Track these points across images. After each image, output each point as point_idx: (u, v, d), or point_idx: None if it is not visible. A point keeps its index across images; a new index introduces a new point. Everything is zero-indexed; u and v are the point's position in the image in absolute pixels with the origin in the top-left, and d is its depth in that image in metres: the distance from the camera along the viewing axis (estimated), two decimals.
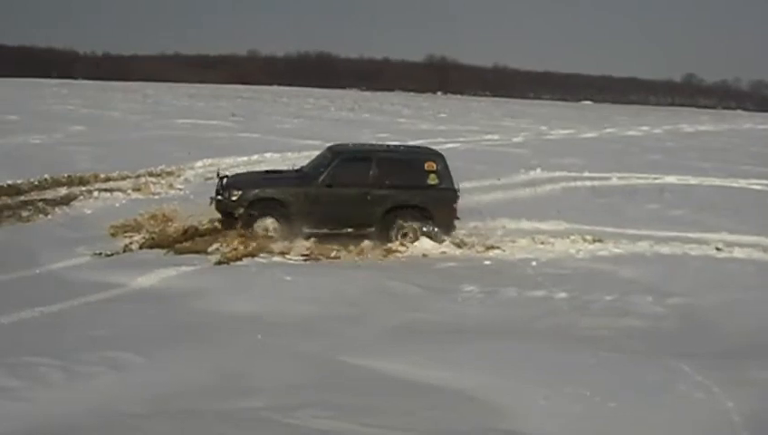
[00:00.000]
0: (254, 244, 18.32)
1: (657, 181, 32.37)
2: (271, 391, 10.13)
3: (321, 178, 19.48)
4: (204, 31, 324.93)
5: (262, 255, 17.75)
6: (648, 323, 13.66)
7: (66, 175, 27.81)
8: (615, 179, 32.38)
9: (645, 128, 73.63)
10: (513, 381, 10.41)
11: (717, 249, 19.73)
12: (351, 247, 18.58)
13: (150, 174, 29.17)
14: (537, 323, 13.44)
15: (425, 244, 18.83)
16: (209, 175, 26.21)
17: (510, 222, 21.66)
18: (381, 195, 19.38)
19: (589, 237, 20.09)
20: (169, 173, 29.55)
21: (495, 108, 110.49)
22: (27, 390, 9.88)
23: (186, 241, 18.77)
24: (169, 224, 19.88)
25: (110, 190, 25.50)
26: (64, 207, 23.00)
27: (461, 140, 49.93)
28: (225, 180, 20.17)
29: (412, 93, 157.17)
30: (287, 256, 17.81)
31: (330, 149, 21.04)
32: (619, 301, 14.88)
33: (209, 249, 18.06)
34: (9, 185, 25.70)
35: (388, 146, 23.42)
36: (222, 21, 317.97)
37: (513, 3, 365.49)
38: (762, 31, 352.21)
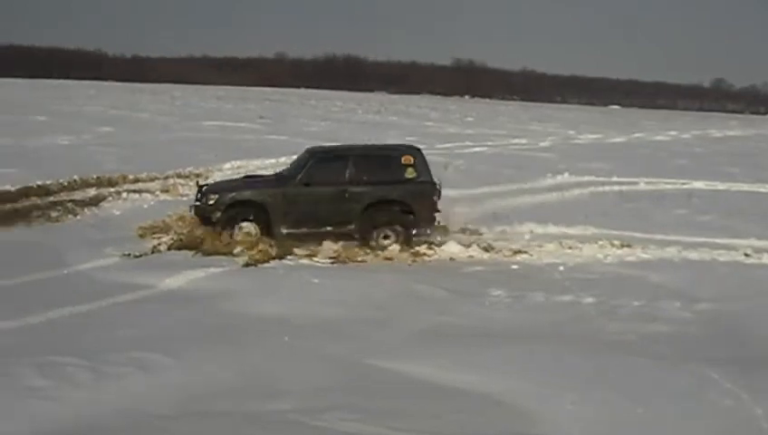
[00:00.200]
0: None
1: (685, 186, 32.16)
2: (298, 394, 10.16)
3: (298, 177, 19.49)
4: (232, 33, 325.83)
5: (289, 257, 17.81)
6: (675, 329, 13.55)
7: (95, 176, 27.99)
8: (643, 184, 32.19)
9: (673, 133, 73.23)
10: (541, 386, 10.39)
11: (746, 255, 19.58)
12: (379, 251, 18.59)
13: (178, 175, 29.31)
14: (565, 327, 13.39)
15: (452, 247, 18.80)
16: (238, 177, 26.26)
17: (537, 226, 21.58)
18: (359, 192, 19.39)
19: (616, 242, 19.97)
20: (197, 175, 29.61)
21: (523, 112, 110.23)
22: (55, 389, 9.97)
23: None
24: (197, 226, 19.92)
25: (139, 192, 25.67)
26: (93, 208, 23.17)
27: (488, 143, 49.84)
28: (203, 188, 20.24)
29: (439, 97, 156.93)
30: (314, 259, 17.85)
31: (307, 150, 21.00)
32: (647, 306, 14.78)
33: (235, 251, 18.14)
34: (39, 186, 25.89)
35: (366, 145, 23.45)
36: (250, 24, 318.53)
37: (541, 7, 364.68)
38: None
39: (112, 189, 26.29)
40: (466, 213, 22.93)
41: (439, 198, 19.94)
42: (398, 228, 19.35)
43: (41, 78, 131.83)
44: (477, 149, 45.91)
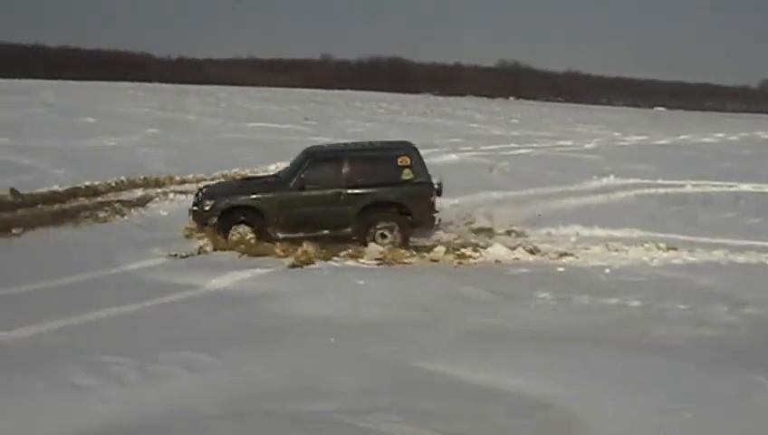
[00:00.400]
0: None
1: (732, 189, 31.83)
2: (342, 395, 10.18)
3: (293, 182, 19.52)
4: (277, 35, 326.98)
5: (335, 259, 17.86)
6: (722, 333, 13.39)
7: (142, 177, 28.28)
8: (689, 187, 31.89)
9: (720, 135, 72.44)
10: (587, 390, 10.32)
11: None
12: (425, 253, 18.59)
13: (224, 177, 29.41)
14: (610, 330, 13.30)
15: (497, 250, 18.77)
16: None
17: (583, 229, 21.48)
18: (355, 194, 19.39)
19: (662, 245, 19.81)
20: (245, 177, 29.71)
21: (568, 113, 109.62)
22: (103, 388, 10.09)
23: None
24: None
25: (185, 193, 25.83)
26: (140, 209, 23.42)
27: (533, 145, 49.65)
28: (201, 191, 20.34)
29: (484, 98, 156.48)
30: (360, 261, 17.89)
31: (304, 151, 21.00)
32: (694, 310, 14.62)
33: (279, 252, 18.24)
34: (87, 186, 26.22)
35: (363, 144, 23.19)
36: (295, 26, 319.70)
37: (586, 8, 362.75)
38: None
39: (159, 190, 26.55)
40: (511, 215, 22.90)
41: (440, 195, 20.03)
42: (396, 227, 19.39)
43: (89, 80, 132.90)
44: (522, 150, 45.76)
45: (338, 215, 19.30)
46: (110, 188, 26.25)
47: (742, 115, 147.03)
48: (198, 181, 28.32)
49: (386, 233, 19.39)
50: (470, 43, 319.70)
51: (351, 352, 11.79)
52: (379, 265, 17.79)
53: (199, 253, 18.30)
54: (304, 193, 19.34)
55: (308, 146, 21.92)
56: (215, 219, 19.21)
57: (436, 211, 20.03)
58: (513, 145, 48.55)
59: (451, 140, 49.43)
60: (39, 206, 23.21)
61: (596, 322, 13.80)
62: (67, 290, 15.17)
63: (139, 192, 26.18)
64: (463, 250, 18.88)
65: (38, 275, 15.89)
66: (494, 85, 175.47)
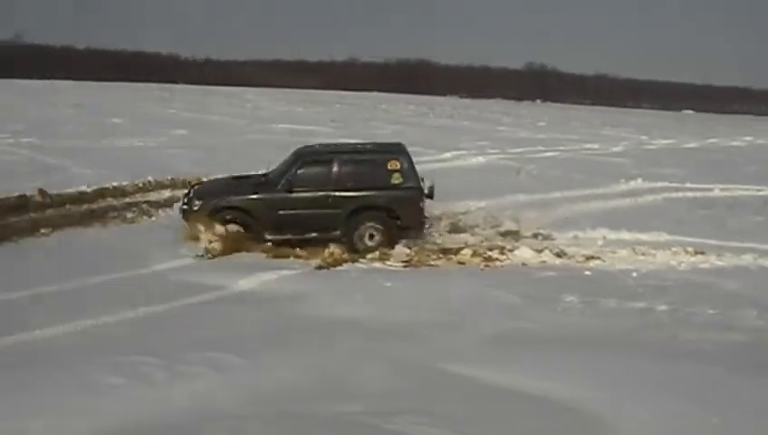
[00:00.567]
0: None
1: (761, 193, 31.57)
2: (370, 397, 10.21)
3: (281, 183, 19.51)
4: (303, 37, 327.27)
5: (362, 260, 17.91)
6: (751, 338, 13.31)
7: (169, 178, 28.33)
8: (717, 191, 31.68)
9: (748, 138, 71.94)
10: (614, 394, 10.29)
11: None
12: (451, 255, 18.58)
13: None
14: (638, 335, 13.26)
15: (524, 252, 18.75)
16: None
17: (610, 232, 21.39)
18: (343, 197, 19.35)
19: (690, 249, 19.71)
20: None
21: (595, 116, 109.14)
22: (130, 388, 10.18)
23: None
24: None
25: None
26: (168, 210, 23.49)
27: (560, 148, 49.46)
28: (191, 190, 20.41)
29: (511, 101, 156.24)
30: (387, 263, 17.92)
31: (295, 151, 21.01)
32: (722, 314, 14.54)
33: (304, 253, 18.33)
34: (114, 187, 26.34)
35: (355, 145, 23.23)
36: (321, 27, 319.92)
37: (614, 11, 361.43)
38: None
39: (186, 191, 26.59)
40: (538, 218, 22.87)
41: (432, 198, 20.05)
42: (383, 230, 19.43)
43: (116, 81, 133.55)
44: (549, 153, 45.57)
45: (326, 217, 19.29)
46: (138, 189, 26.36)
47: None
48: None
49: (374, 235, 19.41)
50: (497, 46, 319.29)
51: (379, 354, 11.81)
52: (405, 267, 17.81)
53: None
54: (293, 195, 19.34)
55: (299, 147, 21.85)
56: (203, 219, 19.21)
57: (426, 216, 20.09)
58: (540, 148, 48.36)
59: (478, 142, 49.31)
60: (67, 206, 23.36)
61: (623, 325, 13.76)
62: (95, 290, 15.27)
63: (166, 193, 26.24)
64: (489, 253, 18.86)
65: (66, 274, 15.99)
66: (521, 88, 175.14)
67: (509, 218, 22.73)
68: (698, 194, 30.73)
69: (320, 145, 23.26)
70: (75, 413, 9.35)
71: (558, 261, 18.61)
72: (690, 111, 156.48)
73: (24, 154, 34.95)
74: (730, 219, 25.02)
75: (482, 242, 20.21)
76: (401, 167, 19.59)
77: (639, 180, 33.06)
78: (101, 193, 25.43)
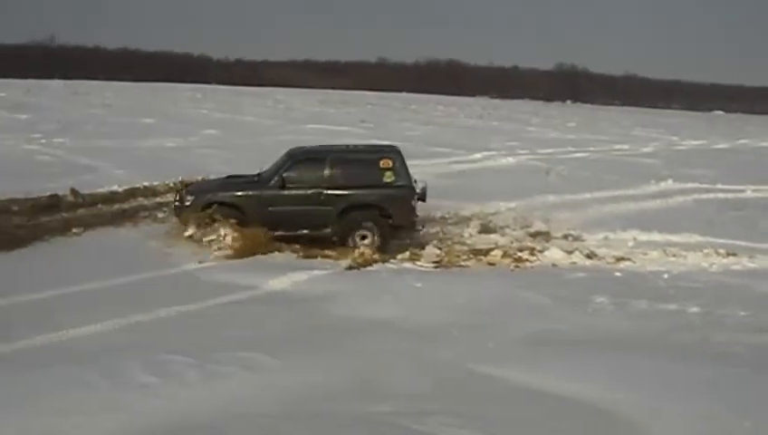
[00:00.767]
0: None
1: None
2: (400, 397, 10.21)
3: (274, 180, 19.60)
4: (334, 37, 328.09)
5: (392, 261, 17.90)
6: None
7: (200, 177, 28.36)
8: (749, 192, 31.51)
9: None
10: (645, 396, 10.25)
11: None
12: (482, 256, 18.56)
13: None
14: (669, 336, 13.18)
15: (554, 253, 18.71)
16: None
17: (640, 233, 21.34)
18: (335, 195, 19.44)
19: (722, 251, 19.62)
20: None
21: (625, 117, 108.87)
22: (163, 387, 10.23)
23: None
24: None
25: None
26: None
27: (590, 149, 49.37)
28: (184, 188, 20.60)
29: (541, 101, 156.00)
30: (417, 263, 17.90)
31: (287, 151, 21.07)
32: (754, 316, 14.43)
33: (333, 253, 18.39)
34: (145, 187, 26.46)
35: (347, 146, 23.32)
36: (352, 28, 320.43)
37: (644, 12, 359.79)
38: None
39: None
40: (568, 219, 22.83)
41: (424, 200, 20.17)
42: (375, 229, 19.46)
43: (149, 81, 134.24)
44: (579, 154, 45.49)
45: (318, 215, 19.43)
46: (169, 189, 26.40)
47: None
48: None
49: (366, 234, 19.47)
50: (527, 46, 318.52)
51: (409, 355, 11.81)
52: (436, 267, 17.78)
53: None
54: (285, 192, 19.46)
55: (292, 147, 21.95)
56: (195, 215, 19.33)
57: (417, 215, 20.13)
58: (569, 149, 48.29)
59: (508, 143, 49.29)
60: (99, 206, 23.47)
61: (654, 327, 13.69)
62: (127, 289, 15.33)
63: None
64: (520, 254, 18.83)
65: (98, 274, 16.06)
66: (551, 88, 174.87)
67: (539, 219, 22.75)
68: (729, 195, 30.58)
69: (313, 146, 23.34)
70: (106, 411, 9.42)
71: (588, 262, 18.55)
72: (720, 112, 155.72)
73: (56, 154, 35.23)
74: (762, 221, 24.85)
75: (512, 243, 20.22)
76: (393, 165, 19.69)
77: (670, 181, 32.96)
78: (133, 193, 25.57)
